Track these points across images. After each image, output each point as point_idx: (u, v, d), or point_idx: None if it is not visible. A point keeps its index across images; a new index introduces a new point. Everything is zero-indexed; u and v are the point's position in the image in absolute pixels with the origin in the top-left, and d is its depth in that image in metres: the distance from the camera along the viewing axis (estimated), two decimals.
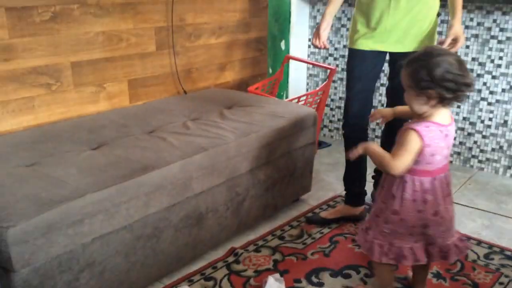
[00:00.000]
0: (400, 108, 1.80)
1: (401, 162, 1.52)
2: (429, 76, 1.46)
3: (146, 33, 2.53)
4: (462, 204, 2.56)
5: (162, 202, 1.78)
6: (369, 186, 2.42)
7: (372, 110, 2.13)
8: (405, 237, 1.62)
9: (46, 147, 1.87)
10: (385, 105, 3.03)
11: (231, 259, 2.04)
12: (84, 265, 1.57)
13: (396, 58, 2.06)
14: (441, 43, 1.99)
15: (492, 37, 2.78)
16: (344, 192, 2.40)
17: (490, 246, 2.16)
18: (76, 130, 2.04)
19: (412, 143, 1.51)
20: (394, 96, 2.16)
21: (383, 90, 3.11)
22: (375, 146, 1.61)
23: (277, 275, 1.89)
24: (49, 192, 1.53)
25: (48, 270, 1.48)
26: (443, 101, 1.50)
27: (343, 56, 3.36)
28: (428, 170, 1.56)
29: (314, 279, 1.92)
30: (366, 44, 2.12)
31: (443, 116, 1.55)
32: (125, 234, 1.67)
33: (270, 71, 3.35)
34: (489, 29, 2.78)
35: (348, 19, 3.26)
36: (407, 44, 2.07)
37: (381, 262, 1.65)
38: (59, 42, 2.19)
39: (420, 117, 1.56)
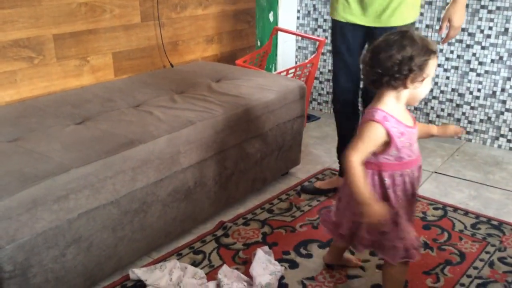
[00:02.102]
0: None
1: None
2: None
3: (130, 4, 2.46)
4: (449, 175, 2.58)
5: (149, 177, 1.76)
6: None
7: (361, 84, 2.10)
8: None
9: (29, 122, 1.83)
10: None
11: (220, 232, 2.04)
12: (70, 240, 1.56)
13: (373, 33, 1.98)
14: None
15: (482, 6, 2.75)
16: (333, 165, 2.40)
17: (477, 216, 2.18)
18: (60, 105, 2.00)
19: None
20: None
21: None
22: None
23: (266, 247, 1.90)
24: (32, 168, 1.50)
25: (33, 246, 1.46)
26: None
27: None
28: None
29: (303, 251, 1.93)
30: (344, 15, 2.05)
31: (374, 100, 1.47)
32: (112, 209, 1.66)
33: (259, 43, 3.30)
34: None
35: None
36: (384, 18, 1.97)
37: None
38: (40, 14, 2.13)
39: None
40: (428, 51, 1.35)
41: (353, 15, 2.02)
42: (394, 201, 1.45)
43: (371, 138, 1.38)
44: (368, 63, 1.39)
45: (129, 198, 1.71)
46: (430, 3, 2.91)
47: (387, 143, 1.39)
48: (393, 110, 1.40)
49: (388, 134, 1.38)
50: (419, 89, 1.39)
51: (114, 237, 1.70)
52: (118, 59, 2.48)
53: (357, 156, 1.39)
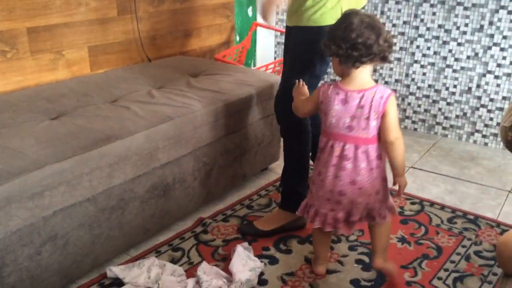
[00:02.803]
0: None
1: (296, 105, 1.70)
2: (328, 35, 1.52)
3: None
4: (426, 170, 2.61)
5: (126, 173, 1.73)
6: None
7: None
8: (322, 202, 1.62)
9: (2, 117, 1.78)
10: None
11: (199, 229, 2.03)
12: (46, 238, 1.52)
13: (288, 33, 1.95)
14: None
15: (459, 3, 2.79)
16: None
17: (453, 210, 2.21)
18: (34, 100, 1.95)
19: (313, 94, 1.64)
20: None
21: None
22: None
23: (246, 244, 1.89)
24: (6, 164, 1.46)
25: (8, 244, 1.43)
26: (341, 59, 1.50)
27: None
28: (326, 131, 1.59)
29: (282, 247, 1.93)
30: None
31: (355, 82, 1.52)
32: (88, 206, 1.63)
33: (238, 38, 3.28)
34: None
35: None
36: (290, 18, 1.90)
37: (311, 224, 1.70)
38: (13, 7, 2.07)
39: None
40: None
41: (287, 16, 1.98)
42: None
43: None
44: (363, 43, 1.45)
45: (106, 195, 1.68)
46: (407, 0, 2.93)
47: None
48: None
49: None
50: None
51: (91, 235, 1.67)
52: (94, 53, 2.43)
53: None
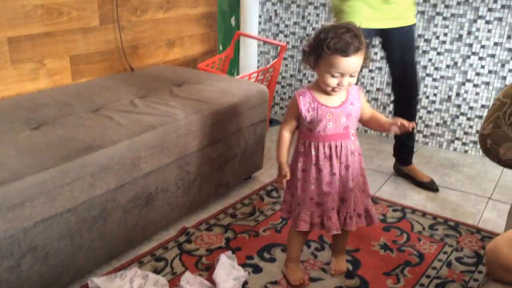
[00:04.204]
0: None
1: None
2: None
3: (88, 7, 2.40)
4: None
5: (108, 183, 1.72)
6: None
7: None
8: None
9: None
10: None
11: (182, 239, 2.02)
12: (26, 250, 1.50)
13: (393, 32, 2.25)
14: None
15: (438, 13, 2.85)
16: None
17: (435, 217, 2.24)
18: (15, 109, 1.93)
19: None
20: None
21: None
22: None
23: (229, 252, 1.89)
24: None
25: None
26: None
27: (293, 33, 3.34)
28: None
29: (266, 255, 1.93)
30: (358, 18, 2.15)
31: None
32: (69, 217, 1.61)
33: (221, 47, 3.30)
34: (435, 5, 2.84)
35: None
36: (403, 18, 2.22)
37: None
38: None
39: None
40: None
41: (376, 20, 2.21)
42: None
43: None
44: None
45: (88, 205, 1.67)
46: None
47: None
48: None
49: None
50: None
51: (72, 246, 1.65)
52: (76, 63, 2.42)
53: None
